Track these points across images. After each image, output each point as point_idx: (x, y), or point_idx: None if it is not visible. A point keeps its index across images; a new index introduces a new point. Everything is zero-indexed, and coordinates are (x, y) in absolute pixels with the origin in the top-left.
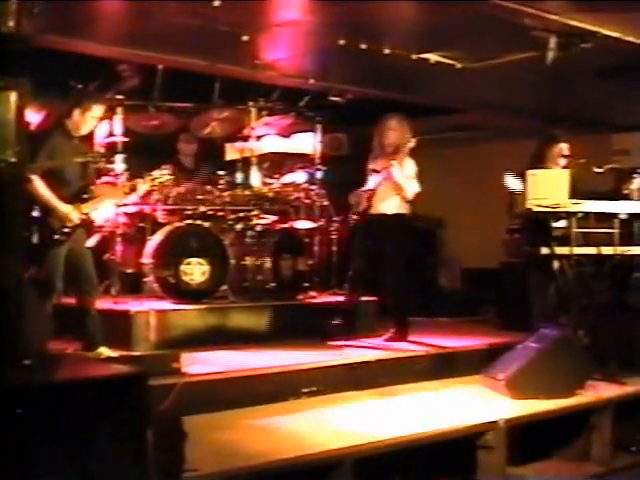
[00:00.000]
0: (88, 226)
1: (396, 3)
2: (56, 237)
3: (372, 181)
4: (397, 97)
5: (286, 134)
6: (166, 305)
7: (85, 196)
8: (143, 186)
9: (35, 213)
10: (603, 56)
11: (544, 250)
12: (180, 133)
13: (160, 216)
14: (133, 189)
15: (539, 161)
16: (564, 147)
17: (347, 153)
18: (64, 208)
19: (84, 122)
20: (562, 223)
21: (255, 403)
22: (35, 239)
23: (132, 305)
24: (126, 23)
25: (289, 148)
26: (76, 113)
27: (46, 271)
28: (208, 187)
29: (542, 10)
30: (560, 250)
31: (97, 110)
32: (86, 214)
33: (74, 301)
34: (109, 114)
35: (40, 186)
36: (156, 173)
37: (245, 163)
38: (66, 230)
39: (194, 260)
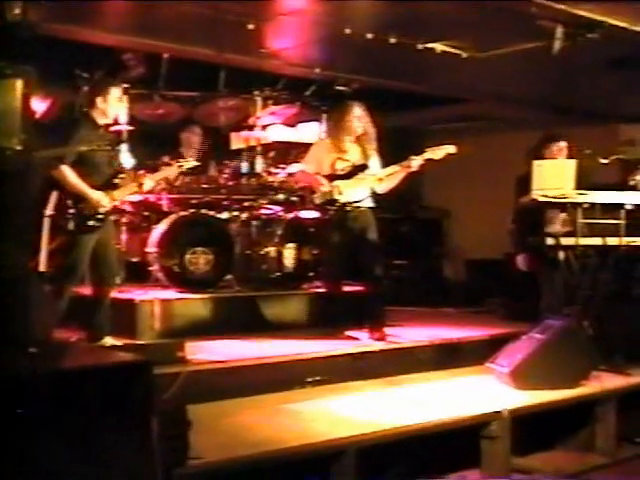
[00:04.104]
0: (116, 215)
1: None
2: (90, 223)
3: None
4: (403, 87)
5: (292, 123)
6: (171, 294)
7: (116, 182)
8: (169, 171)
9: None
10: (610, 46)
11: (549, 241)
12: (184, 122)
13: (165, 205)
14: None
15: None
16: (563, 146)
17: None
18: (96, 195)
19: (109, 107)
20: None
21: (259, 392)
22: (71, 226)
23: (137, 294)
24: (132, 12)
25: (294, 137)
26: (99, 101)
27: (72, 258)
28: (213, 176)
29: None
30: (565, 241)
31: (115, 91)
32: (117, 200)
33: (82, 290)
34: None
35: (71, 175)
36: (183, 160)
37: (250, 152)
38: (100, 217)
39: (199, 249)
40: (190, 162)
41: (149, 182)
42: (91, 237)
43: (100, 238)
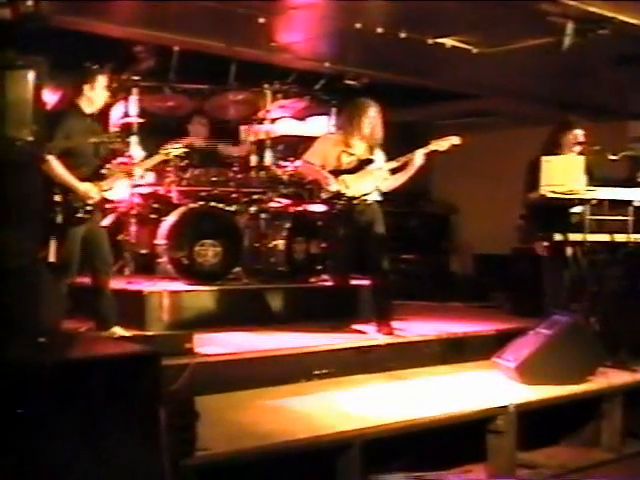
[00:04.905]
0: (104, 206)
1: None
2: (79, 216)
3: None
4: (412, 81)
5: (301, 117)
6: (179, 286)
7: (103, 173)
8: (158, 158)
9: (56, 194)
10: (620, 43)
11: (557, 237)
12: (194, 115)
13: (174, 197)
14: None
15: (553, 148)
16: (579, 134)
17: None
18: (83, 186)
19: (96, 95)
20: (576, 209)
21: (266, 384)
22: (59, 219)
23: (145, 285)
24: (143, 4)
25: (304, 131)
26: (86, 89)
27: (65, 251)
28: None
29: None
30: (573, 237)
31: (102, 80)
32: (105, 191)
33: (88, 280)
34: (124, 95)
35: (58, 167)
36: (170, 147)
37: (260, 146)
38: (88, 208)
39: (208, 242)
40: (178, 148)
41: (139, 170)
42: (80, 229)
43: (89, 229)
